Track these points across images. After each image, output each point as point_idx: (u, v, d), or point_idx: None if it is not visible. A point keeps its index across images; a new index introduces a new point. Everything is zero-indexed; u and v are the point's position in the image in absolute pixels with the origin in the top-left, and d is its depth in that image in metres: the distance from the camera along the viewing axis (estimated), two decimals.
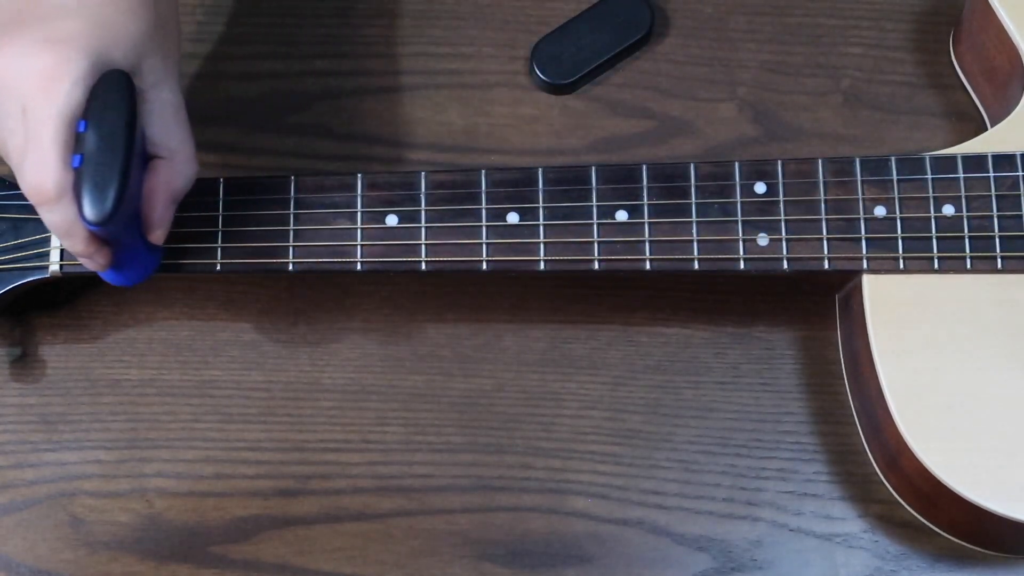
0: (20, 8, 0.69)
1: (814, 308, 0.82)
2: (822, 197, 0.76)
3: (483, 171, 0.77)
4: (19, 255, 0.77)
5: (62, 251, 0.76)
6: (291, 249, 0.76)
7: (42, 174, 0.67)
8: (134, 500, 0.80)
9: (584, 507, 0.79)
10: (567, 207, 0.76)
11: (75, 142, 0.67)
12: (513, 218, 0.76)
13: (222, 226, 0.76)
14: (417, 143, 0.86)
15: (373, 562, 0.79)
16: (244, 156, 0.86)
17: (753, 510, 0.79)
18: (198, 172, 0.73)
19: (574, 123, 0.86)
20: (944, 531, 0.78)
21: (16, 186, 0.73)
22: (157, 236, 0.72)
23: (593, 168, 0.77)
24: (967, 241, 0.75)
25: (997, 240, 0.75)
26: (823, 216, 0.76)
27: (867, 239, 0.75)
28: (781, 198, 0.76)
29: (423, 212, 0.76)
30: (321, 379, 0.82)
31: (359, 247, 0.76)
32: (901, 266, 0.75)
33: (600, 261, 0.76)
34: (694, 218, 0.76)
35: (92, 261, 0.71)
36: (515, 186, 0.77)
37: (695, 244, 0.76)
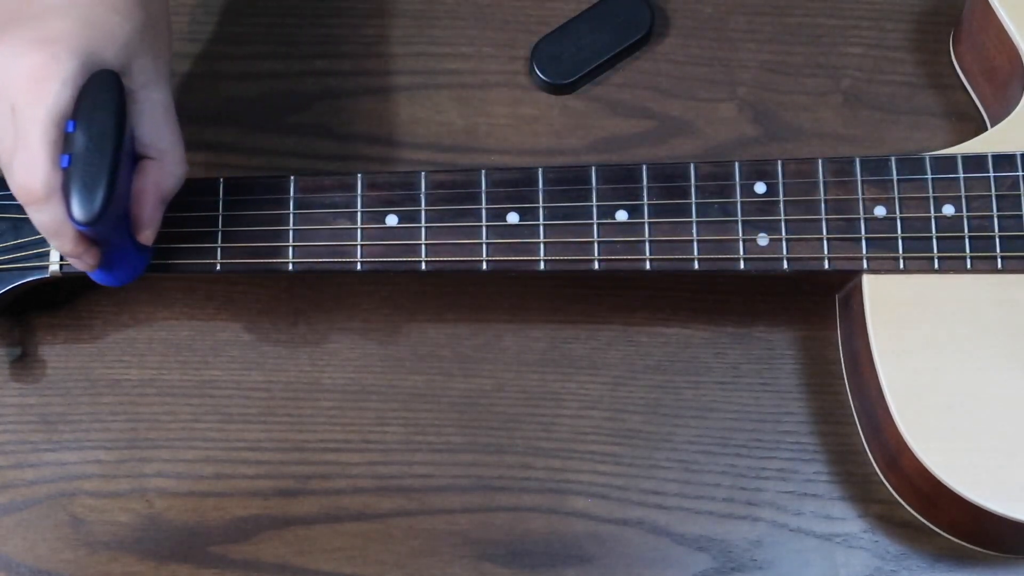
0: (10, 7, 0.69)
1: (814, 308, 0.82)
2: (822, 197, 0.76)
3: (483, 171, 0.77)
4: (19, 255, 0.77)
5: None
6: (291, 249, 0.76)
7: (30, 174, 0.67)
8: (134, 500, 0.80)
9: (584, 507, 0.79)
10: (567, 207, 0.76)
11: (64, 142, 0.67)
12: (513, 218, 0.76)
13: (222, 226, 0.76)
14: (417, 143, 0.86)
15: (373, 562, 0.79)
16: (244, 156, 0.86)
17: (753, 510, 0.79)
18: (188, 172, 0.73)
19: (574, 123, 0.86)
20: (944, 531, 0.78)
21: None
22: (146, 236, 0.72)
23: (593, 168, 0.77)
24: (967, 241, 0.75)
25: (997, 240, 0.75)
26: (823, 216, 0.76)
27: (867, 239, 0.75)
28: (781, 198, 0.76)
29: (423, 212, 0.76)
30: (321, 379, 0.82)
31: (359, 247, 0.76)
32: (901, 266, 0.75)
33: (600, 261, 0.76)
34: (694, 218, 0.76)
35: (81, 261, 0.71)
36: (515, 186, 0.77)
37: (695, 244, 0.75)
